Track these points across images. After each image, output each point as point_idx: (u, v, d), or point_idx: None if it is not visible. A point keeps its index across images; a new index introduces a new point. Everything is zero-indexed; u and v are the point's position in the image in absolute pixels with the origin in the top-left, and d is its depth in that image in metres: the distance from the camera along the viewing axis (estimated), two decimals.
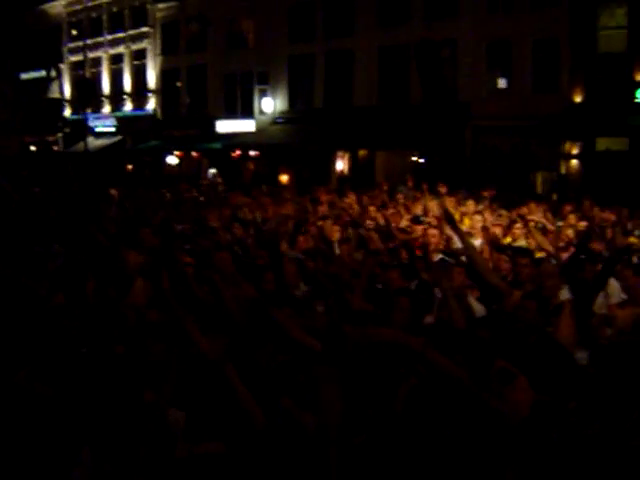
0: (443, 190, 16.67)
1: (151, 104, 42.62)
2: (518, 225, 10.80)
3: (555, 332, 5.94)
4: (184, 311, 4.72)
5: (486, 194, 16.86)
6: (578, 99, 26.74)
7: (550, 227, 11.38)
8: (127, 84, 44.25)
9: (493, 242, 10.24)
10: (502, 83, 29.54)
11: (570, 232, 10.96)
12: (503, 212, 13.66)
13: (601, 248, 9.75)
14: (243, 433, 4.10)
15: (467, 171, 27.54)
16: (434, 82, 29.64)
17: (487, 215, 12.42)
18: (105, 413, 4.23)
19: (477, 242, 10.25)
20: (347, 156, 33.89)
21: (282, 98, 36.10)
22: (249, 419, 4.08)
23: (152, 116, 42.34)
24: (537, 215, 12.46)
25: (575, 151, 27.16)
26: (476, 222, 11.55)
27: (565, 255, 9.16)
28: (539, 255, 9.02)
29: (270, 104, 36.32)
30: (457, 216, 12.82)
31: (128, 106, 44.24)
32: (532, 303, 6.45)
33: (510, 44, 28.42)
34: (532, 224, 10.26)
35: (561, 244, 10.06)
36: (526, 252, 8.82)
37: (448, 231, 9.79)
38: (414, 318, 5.99)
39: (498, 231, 11.11)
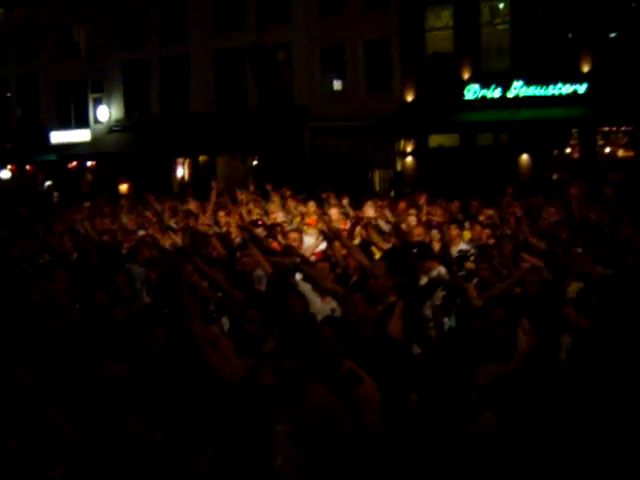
0: (287, 193, 16.56)
1: None
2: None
3: (386, 329, 5.91)
4: None
5: (325, 195, 16.84)
6: (410, 98, 27.41)
7: (383, 226, 11.40)
8: None
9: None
10: (337, 85, 29.97)
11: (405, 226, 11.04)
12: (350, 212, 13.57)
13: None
14: None
15: (307, 173, 27.69)
16: (270, 86, 29.72)
17: (333, 215, 12.31)
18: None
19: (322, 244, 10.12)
20: (187, 162, 33.45)
21: (117, 106, 35.14)
22: None
23: None
24: (373, 213, 12.52)
25: (409, 148, 27.83)
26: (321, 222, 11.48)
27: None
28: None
29: (105, 112, 35.29)
30: (297, 217, 12.79)
31: None
32: (358, 296, 6.27)
33: (343, 46, 28.88)
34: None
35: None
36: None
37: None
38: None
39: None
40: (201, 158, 32.99)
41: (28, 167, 38.51)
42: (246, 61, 30.11)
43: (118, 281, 7.52)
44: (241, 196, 16.23)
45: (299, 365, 4.56)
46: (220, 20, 31.32)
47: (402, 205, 14.22)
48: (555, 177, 25.40)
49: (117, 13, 34.09)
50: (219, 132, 29.83)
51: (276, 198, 15.18)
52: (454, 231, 10.56)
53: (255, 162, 30.81)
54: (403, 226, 11.06)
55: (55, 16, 35.95)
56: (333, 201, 13.49)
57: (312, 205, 14.00)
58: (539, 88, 25.02)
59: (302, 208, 14.03)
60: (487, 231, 10.83)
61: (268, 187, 16.02)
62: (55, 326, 6.57)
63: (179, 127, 31.41)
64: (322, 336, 5.04)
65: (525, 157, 25.49)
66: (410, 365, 5.45)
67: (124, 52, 34.21)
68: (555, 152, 25.95)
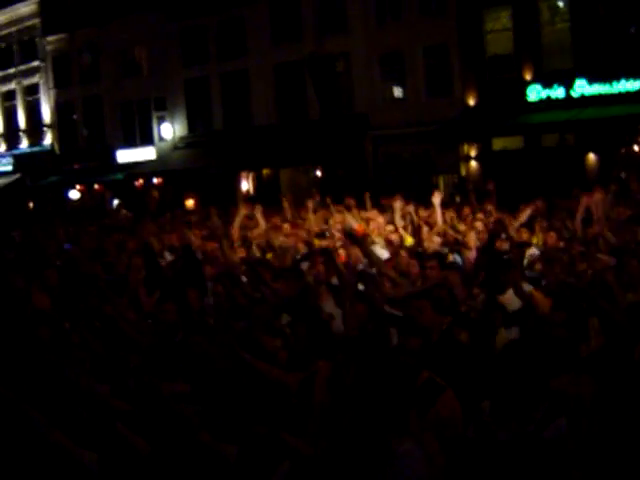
0: (352, 203, 16.46)
1: (48, 139, 41.61)
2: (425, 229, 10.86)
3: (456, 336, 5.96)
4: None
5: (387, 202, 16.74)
6: (472, 102, 27.27)
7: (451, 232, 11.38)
8: (21, 121, 43.11)
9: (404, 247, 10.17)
10: (397, 92, 29.99)
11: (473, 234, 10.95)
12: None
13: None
14: None
15: (370, 181, 27.71)
16: (330, 96, 29.84)
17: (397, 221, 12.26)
18: None
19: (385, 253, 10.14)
20: (251, 176, 33.76)
21: (181, 123, 35.74)
22: None
23: (50, 151, 41.32)
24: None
25: (473, 153, 27.66)
26: (388, 231, 11.51)
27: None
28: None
29: (169, 130, 35.91)
30: (362, 223, 12.70)
31: (24, 143, 43.09)
32: (425, 303, 6.36)
33: (402, 53, 28.86)
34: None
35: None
36: (435, 255, 8.88)
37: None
38: None
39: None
40: (265, 171, 33.32)
41: (96, 186, 39.27)
42: (305, 72, 30.28)
43: (189, 295, 7.70)
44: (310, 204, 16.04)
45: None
46: (278, 33, 31.64)
47: (466, 211, 14.02)
48: (624, 175, 24.94)
49: (176, 32, 34.65)
50: (282, 145, 30.08)
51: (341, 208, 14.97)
52: (524, 235, 10.50)
53: (319, 173, 30.94)
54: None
55: (116, 37, 36.69)
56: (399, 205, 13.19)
57: (374, 211, 13.97)
58: (603, 86, 24.63)
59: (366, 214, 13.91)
60: (552, 234, 10.66)
61: (328, 201, 15.72)
62: (140, 341, 6.68)
63: (242, 141, 31.79)
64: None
65: (592, 157, 25.08)
66: (482, 371, 5.46)
67: (185, 70, 34.81)
68: (622, 150, 25.47)
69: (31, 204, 41.14)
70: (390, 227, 11.81)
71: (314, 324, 6.21)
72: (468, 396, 4.83)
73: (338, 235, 11.55)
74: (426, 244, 10.67)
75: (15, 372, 5.37)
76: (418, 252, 9.78)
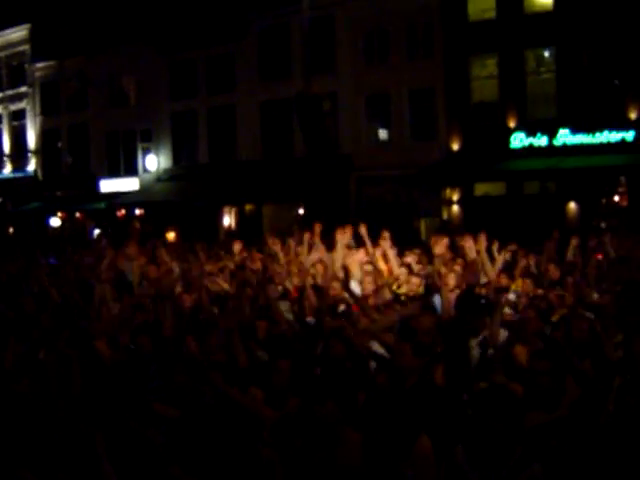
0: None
1: (32, 165, 41.56)
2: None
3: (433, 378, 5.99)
4: None
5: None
6: (456, 147, 27.49)
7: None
8: (6, 145, 43.07)
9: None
10: (382, 134, 30.20)
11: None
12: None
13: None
14: None
15: (352, 221, 27.69)
16: (316, 135, 29.91)
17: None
18: None
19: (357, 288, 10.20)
20: (234, 211, 33.77)
21: (166, 155, 35.79)
22: None
23: (33, 177, 41.28)
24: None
25: (455, 197, 27.81)
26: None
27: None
28: None
29: (154, 162, 35.94)
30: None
31: (7, 168, 43.01)
32: (405, 345, 6.43)
33: (388, 95, 29.12)
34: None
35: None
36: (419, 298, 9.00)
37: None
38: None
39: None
40: (247, 207, 33.34)
41: (78, 214, 39.15)
42: (292, 110, 30.40)
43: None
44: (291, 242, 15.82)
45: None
46: (266, 71, 31.87)
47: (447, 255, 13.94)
48: (604, 225, 25.14)
49: (165, 65, 34.87)
50: (266, 181, 30.17)
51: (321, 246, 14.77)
52: (504, 280, 10.51)
53: (301, 210, 30.97)
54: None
55: (105, 67, 36.84)
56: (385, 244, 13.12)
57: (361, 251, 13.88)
58: (586, 136, 24.92)
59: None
60: (528, 281, 10.68)
61: (306, 237, 15.31)
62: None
63: (226, 176, 31.86)
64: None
65: (573, 205, 25.30)
66: (456, 415, 5.47)
67: (173, 103, 34.96)
68: (603, 200, 25.69)
69: (11, 229, 40.91)
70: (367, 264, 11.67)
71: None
72: (442, 440, 4.84)
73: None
74: (405, 286, 10.64)
75: None
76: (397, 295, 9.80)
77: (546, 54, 26.84)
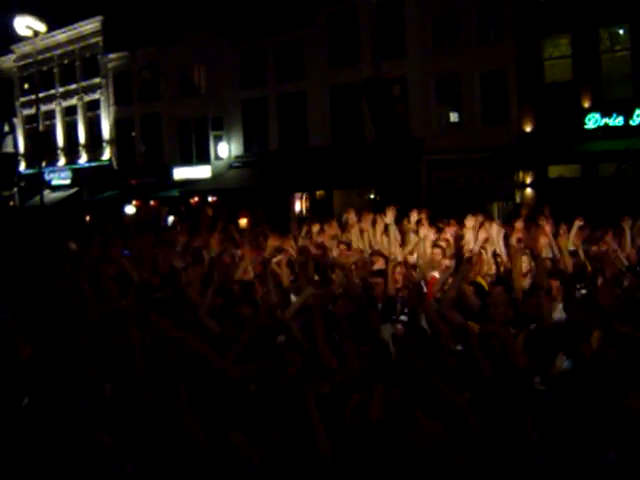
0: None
1: (106, 154, 42.45)
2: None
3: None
4: None
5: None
6: (528, 129, 27.09)
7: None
8: (81, 136, 44.08)
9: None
10: (453, 117, 29.95)
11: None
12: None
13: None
14: None
15: (423, 206, 27.59)
16: (386, 119, 29.89)
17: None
18: None
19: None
20: (305, 197, 33.96)
21: (237, 143, 36.18)
22: None
23: (108, 166, 42.17)
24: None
25: (529, 180, 27.45)
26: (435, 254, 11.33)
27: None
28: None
29: (225, 149, 36.38)
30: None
31: (83, 158, 44.01)
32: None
33: (459, 78, 28.82)
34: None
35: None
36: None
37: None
38: None
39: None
40: (318, 193, 33.52)
41: (152, 202, 39.85)
42: (362, 96, 30.41)
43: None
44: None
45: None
46: (336, 56, 31.89)
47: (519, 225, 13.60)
48: None
49: (236, 53, 35.18)
50: (336, 167, 30.25)
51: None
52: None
53: (372, 195, 30.99)
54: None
55: (176, 57, 37.36)
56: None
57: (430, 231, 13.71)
58: None
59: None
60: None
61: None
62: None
63: (297, 162, 32.05)
64: None
65: None
66: (533, 399, 5.31)
67: (243, 90, 35.27)
68: None
69: (87, 218, 41.84)
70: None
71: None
72: (518, 423, 4.77)
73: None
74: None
75: None
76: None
77: (620, 32, 26.14)
